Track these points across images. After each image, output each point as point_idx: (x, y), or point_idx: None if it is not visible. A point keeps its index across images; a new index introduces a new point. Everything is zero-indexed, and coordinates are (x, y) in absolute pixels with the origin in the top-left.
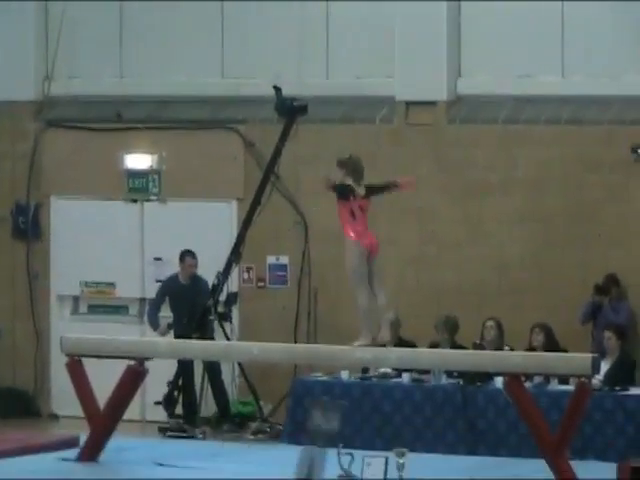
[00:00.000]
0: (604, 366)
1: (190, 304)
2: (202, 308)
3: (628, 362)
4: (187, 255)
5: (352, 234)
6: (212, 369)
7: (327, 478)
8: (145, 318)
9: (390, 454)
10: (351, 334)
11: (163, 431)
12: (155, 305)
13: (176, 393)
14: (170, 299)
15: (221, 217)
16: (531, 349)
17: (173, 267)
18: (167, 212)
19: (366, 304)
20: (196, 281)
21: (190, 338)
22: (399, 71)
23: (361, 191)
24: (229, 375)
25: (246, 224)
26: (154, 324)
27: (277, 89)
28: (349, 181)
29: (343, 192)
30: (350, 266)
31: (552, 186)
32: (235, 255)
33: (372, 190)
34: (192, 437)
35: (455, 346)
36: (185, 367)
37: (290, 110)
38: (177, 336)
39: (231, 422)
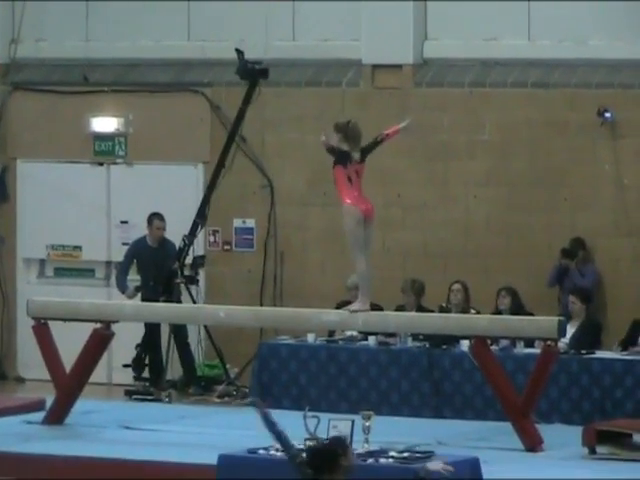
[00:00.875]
0: (569, 330)
1: (158, 267)
2: (169, 271)
3: (593, 325)
4: (155, 218)
5: (349, 200)
6: (178, 332)
7: (293, 441)
8: (112, 281)
9: (356, 417)
10: (317, 297)
11: (129, 394)
12: (123, 268)
13: (144, 356)
14: (138, 262)
15: (187, 180)
16: (497, 313)
17: (139, 230)
18: (133, 175)
19: (365, 269)
20: (164, 244)
21: (157, 301)
22: (365, 34)
23: (357, 156)
24: (195, 338)
25: (211, 187)
26: (122, 287)
27: (239, 52)
28: (345, 146)
29: (341, 158)
30: (348, 231)
31: (518, 149)
32: (201, 218)
33: (366, 152)
34: (158, 400)
35: (421, 309)
36: (152, 330)
37: (251, 74)
38: (144, 299)
39: (197, 385)
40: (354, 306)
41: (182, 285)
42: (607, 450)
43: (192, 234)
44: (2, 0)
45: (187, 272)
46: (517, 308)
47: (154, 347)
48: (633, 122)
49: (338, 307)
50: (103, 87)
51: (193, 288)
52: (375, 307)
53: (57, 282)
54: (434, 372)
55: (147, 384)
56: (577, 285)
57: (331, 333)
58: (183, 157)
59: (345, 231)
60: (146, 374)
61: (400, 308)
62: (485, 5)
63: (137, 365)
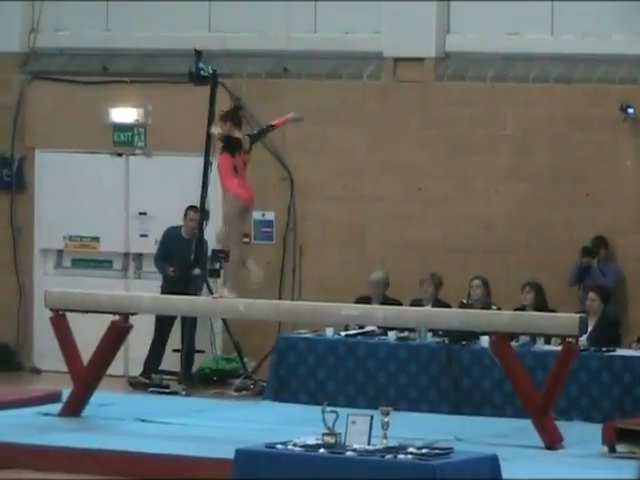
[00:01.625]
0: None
1: (185, 260)
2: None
3: (611, 323)
4: (190, 209)
5: (233, 188)
6: (188, 325)
7: (312, 435)
8: (130, 272)
9: (375, 412)
10: (336, 290)
11: (133, 385)
12: (159, 254)
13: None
14: (167, 250)
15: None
16: (521, 308)
17: (158, 222)
18: (152, 166)
19: (238, 256)
20: (199, 241)
21: (177, 294)
22: (387, 27)
23: (246, 144)
24: (207, 332)
25: (204, 183)
26: (163, 271)
27: (197, 53)
28: (237, 133)
29: (232, 146)
30: (230, 220)
31: (540, 144)
32: (202, 213)
33: (253, 140)
34: (175, 393)
35: (438, 302)
36: (163, 324)
37: (197, 78)
38: (164, 292)
39: (192, 379)
40: (224, 293)
41: (200, 278)
42: (627, 448)
43: (199, 229)
44: None
45: (209, 265)
46: (541, 304)
47: (165, 340)
48: None
49: (357, 301)
50: (122, 77)
51: (212, 281)
52: (394, 302)
53: (74, 273)
54: (453, 368)
55: (162, 376)
56: (598, 283)
57: (347, 327)
58: (201, 148)
59: (225, 218)
60: (162, 366)
61: (416, 302)
62: None
63: (152, 364)
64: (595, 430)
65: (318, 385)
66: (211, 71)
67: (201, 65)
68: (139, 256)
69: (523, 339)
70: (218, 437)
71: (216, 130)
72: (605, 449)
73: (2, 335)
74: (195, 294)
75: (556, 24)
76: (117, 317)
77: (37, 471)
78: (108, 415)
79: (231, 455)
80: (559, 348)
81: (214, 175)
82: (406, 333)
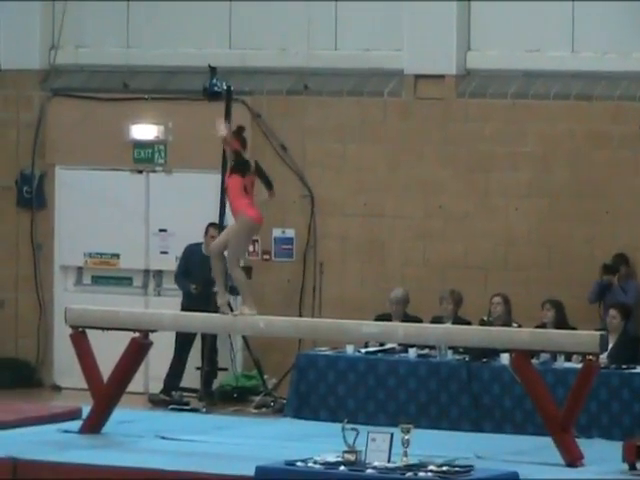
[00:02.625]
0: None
1: (205, 277)
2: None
3: (631, 340)
4: (210, 226)
5: (244, 208)
6: (209, 342)
7: (332, 452)
8: (150, 289)
9: (395, 430)
10: (356, 308)
11: (154, 402)
12: (180, 270)
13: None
14: (187, 266)
15: None
16: (541, 325)
17: (178, 239)
18: (173, 183)
19: (244, 276)
20: None
21: (195, 311)
22: (408, 44)
23: (252, 167)
24: (227, 349)
25: (222, 200)
26: (183, 287)
27: (212, 69)
28: (244, 154)
29: (242, 167)
30: (238, 241)
31: (560, 161)
32: (221, 230)
33: (259, 170)
34: (195, 410)
35: (458, 320)
36: (183, 341)
37: (210, 94)
38: (184, 309)
39: (212, 396)
40: (244, 311)
41: None
42: None
43: None
44: (43, 0)
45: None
46: (561, 321)
47: (185, 357)
48: None
49: (378, 319)
50: (143, 94)
51: (232, 298)
52: (414, 319)
53: (94, 290)
54: (473, 385)
55: (182, 393)
56: (619, 301)
57: (367, 344)
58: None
59: (235, 238)
60: (182, 384)
61: (436, 319)
62: (529, 16)
63: (172, 381)
64: (615, 448)
65: (338, 402)
66: (225, 87)
67: (215, 81)
68: (159, 273)
69: (543, 356)
70: (238, 454)
71: (223, 131)
72: (625, 467)
73: (22, 352)
74: (215, 311)
75: (577, 41)
76: (137, 334)
77: None
78: (128, 432)
79: (251, 472)
80: (580, 365)
81: None
82: (426, 350)
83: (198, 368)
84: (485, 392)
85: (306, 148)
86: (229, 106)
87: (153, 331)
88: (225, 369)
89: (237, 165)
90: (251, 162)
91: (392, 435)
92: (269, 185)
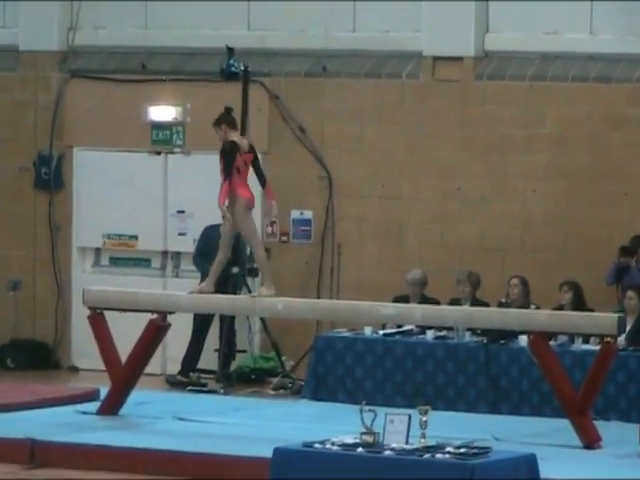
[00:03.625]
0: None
1: None
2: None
3: None
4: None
5: (239, 191)
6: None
7: (350, 434)
8: (168, 271)
9: (412, 411)
10: (374, 289)
11: (171, 384)
12: (198, 252)
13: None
14: (205, 248)
15: None
16: (559, 307)
17: (196, 220)
18: (191, 164)
19: (264, 254)
20: (237, 239)
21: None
22: (427, 26)
23: (245, 145)
24: (245, 331)
25: None
26: (201, 269)
27: (229, 50)
28: (233, 136)
29: (232, 150)
30: (241, 221)
31: (578, 143)
32: None
33: (255, 156)
34: (213, 392)
35: (476, 301)
36: (201, 323)
37: (227, 75)
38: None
39: (230, 378)
40: (262, 292)
41: (240, 276)
42: None
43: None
44: None
45: (247, 264)
46: (579, 303)
47: (203, 339)
48: None
49: (395, 300)
50: (161, 76)
51: (249, 280)
52: (432, 301)
53: (112, 271)
54: (491, 367)
55: (200, 375)
56: (636, 282)
57: (383, 325)
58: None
59: (239, 221)
60: (200, 365)
61: (454, 301)
62: None
63: (190, 362)
64: (633, 430)
65: (356, 384)
66: (242, 68)
67: (232, 62)
68: (177, 254)
69: (561, 338)
70: (256, 436)
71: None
72: None
73: (40, 334)
74: (234, 293)
75: (595, 23)
76: (155, 316)
77: (75, 469)
78: (146, 414)
79: (269, 454)
80: (597, 347)
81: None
82: (444, 332)
83: (217, 350)
84: (503, 374)
85: (324, 130)
86: (246, 87)
87: (171, 313)
88: (244, 351)
89: (227, 152)
90: (240, 141)
91: (410, 417)
92: (262, 179)
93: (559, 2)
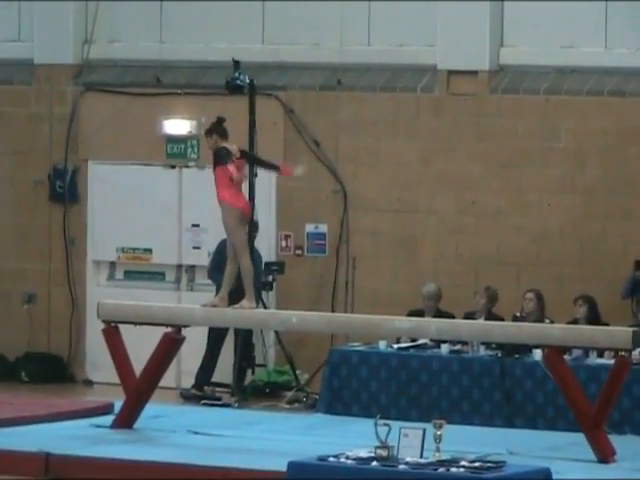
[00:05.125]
0: None
1: (238, 272)
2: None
3: None
4: None
5: (228, 198)
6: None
7: (364, 448)
8: (183, 284)
9: (427, 425)
10: (389, 303)
11: (185, 397)
12: (213, 266)
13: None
14: (221, 260)
15: (259, 184)
16: (574, 321)
17: (210, 234)
18: (205, 178)
19: (250, 266)
20: (250, 253)
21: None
22: (441, 40)
23: (236, 150)
24: (259, 344)
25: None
26: (215, 282)
27: (235, 62)
28: (223, 143)
29: (223, 157)
30: (231, 230)
31: (593, 157)
32: (251, 225)
33: (248, 156)
34: (227, 405)
35: (491, 316)
36: (215, 336)
37: (232, 87)
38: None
39: (244, 391)
40: (244, 305)
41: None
42: None
43: (250, 241)
44: (76, 0)
45: (263, 278)
46: (593, 317)
47: (218, 352)
48: None
49: (410, 314)
50: (176, 89)
51: (264, 293)
52: (447, 315)
53: (127, 285)
54: (506, 381)
55: (214, 388)
56: None
57: (397, 339)
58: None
59: (227, 230)
60: (214, 379)
61: (469, 315)
62: (562, 12)
63: (204, 376)
64: None
65: (370, 398)
66: (248, 81)
67: (237, 75)
68: (192, 268)
69: (576, 352)
70: (270, 449)
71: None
72: None
73: (55, 347)
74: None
75: (610, 37)
76: (170, 329)
77: None
78: (160, 427)
79: (283, 467)
80: (612, 362)
81: (262, 187)
82: (459, 346)
83: (241, 366)
84: (517, 388)
85: (339, 143)
86: (252, 100)
87: (186, 326)
88: (263, 365)
89: (216, 158)
90: (231, 148)
91: (424, 431)
92: (273, 166)
93: (574, 16)
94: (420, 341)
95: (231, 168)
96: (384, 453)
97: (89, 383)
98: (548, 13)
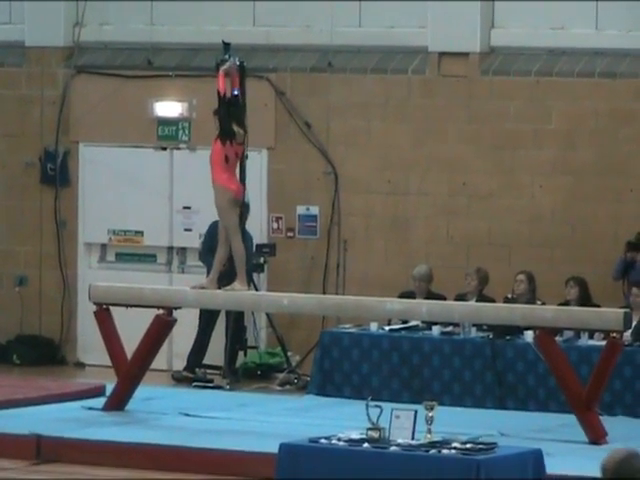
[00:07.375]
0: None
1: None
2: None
3: None
4: None
5: (222, 179)
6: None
7: (356, 430)
8: (174, 267)
9: (419, 407)
10: (380, 285)
11: (177, 379)
12: (205, 248)
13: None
14: (212, 243)
15: (251, 166)
16: (565, 303)
17: (202, 216)
18: (197, 160)
19: (242, 249)
20: (242, 235)
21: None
22: (432, 21)
23: (241, 136)
24: (250, 326)
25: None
26: (207, 264)
27: (225, 44)
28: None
29: (227, 133)
30: (222, 211)
31: (584, 139)
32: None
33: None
34: (219, 387)
35: (482, 297)
36: (207, 318)
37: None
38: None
39: (236, 373)
40: (236, 287)
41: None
42: None
43: (242, 223)
44: None
45: (254, 260)
46: (585, 299)
47: (209, 334)
48: None
49: (401, 296)
50: (167, 71)
51: (255, 275)
52: (438, 296)
53: (118, 267)
54: (497, 363)
55: (205, 370)
56: None
57: (388, 321)
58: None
59: (219, 212)
60: (206, 361)
61: (460, 297)
62: None
63: (196, 358)
64: (639, 425)
65: (362, 380)
66: (238, 63)
67: (227, 57)
68: (183, 250)
69: (567, 334)
70: (262, 431)
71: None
72: None
73: (46, 329)
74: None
75: (601, 19)
76: (161, 311)
77: (81, 465)
78: (152, 409)
79: (275, 449)
80: (603, 343)
81: (253, 169)
82: (450, 328)
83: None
84: (509, 370)
85: (330, 125)
86: (243, 82)
87: (177, 308)
88: (255, 347)
89: (222, 131)
90: (238, 133)
91: (416, 412)
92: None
93: None
94: (411, 323)
95: (229, 149)
96: (375, 435)
97: (81, 365)
98: None
